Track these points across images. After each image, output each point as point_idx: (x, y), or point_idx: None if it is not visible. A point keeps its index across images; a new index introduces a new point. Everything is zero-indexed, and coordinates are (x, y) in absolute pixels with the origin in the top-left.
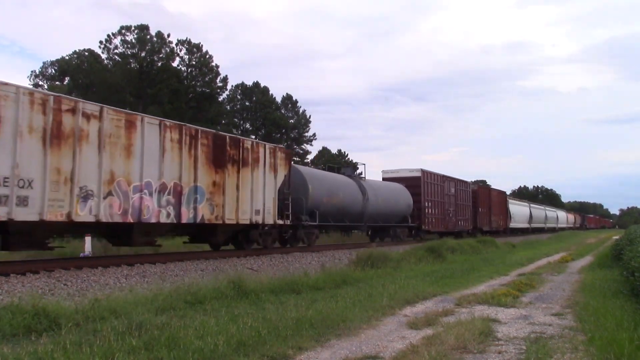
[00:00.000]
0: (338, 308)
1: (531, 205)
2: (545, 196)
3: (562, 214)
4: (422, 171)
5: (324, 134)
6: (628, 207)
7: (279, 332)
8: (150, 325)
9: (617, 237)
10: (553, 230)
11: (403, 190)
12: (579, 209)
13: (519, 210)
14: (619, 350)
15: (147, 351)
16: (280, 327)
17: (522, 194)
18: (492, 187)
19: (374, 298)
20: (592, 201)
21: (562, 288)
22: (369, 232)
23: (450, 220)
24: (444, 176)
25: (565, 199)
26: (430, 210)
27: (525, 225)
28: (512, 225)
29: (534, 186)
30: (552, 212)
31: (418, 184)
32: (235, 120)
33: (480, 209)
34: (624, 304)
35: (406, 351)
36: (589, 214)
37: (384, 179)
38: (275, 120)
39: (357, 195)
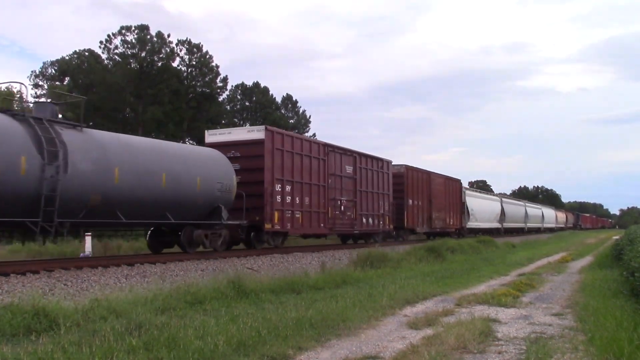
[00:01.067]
0: (338, 308)
1: (504, 199)
2: (545, 196)
3: (549, 212)
4: (268, 132)
5: (324, 134)
6: (628, 207)
7: (279, 332)
8: (150, 325)
9: (617, 237)
10: (537, 231)
11: (212, 158)
12: (579, 208)
13: (483, 206)
14: (619, 350)
15: (146, 351)
16: (280, 327)
17: (522, 194)
18: (437, 172)
19: (374, 298)
20: (592, 201)
21: (562, 288)
22: (147, 233)
23: (341, 217)
24: (328, 145)
25: (565, 199)
26: (288, 198)
27: (494, 225)
28: (472, 225)
29: (534, 186)
30: (535, 209)
31: (259, 152)
32: (235, 120)
33: (410, 202)
34: (624, 304)
35: (406, 351)
36: (584, 213)
37: (207, 145)
38: (275, 120)
39: (20, 156)
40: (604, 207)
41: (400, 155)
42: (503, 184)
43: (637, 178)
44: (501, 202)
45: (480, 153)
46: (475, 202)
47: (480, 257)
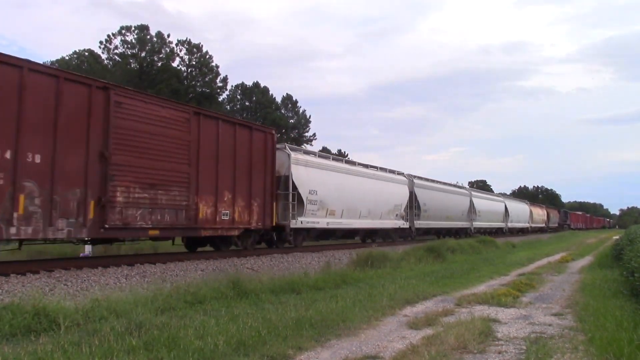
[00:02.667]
0: (338, 308)
1: (418, 182)
2: (545, 196)
3: (519, 207)
4: None
5: (324, 134)
6: (628, 207)
7: (279, 332)
8: (150, 325)
9: (617, 237)
10: (499, 232)
11: None
12: (579, 208)
13: (359, 189)
14: (619, 350)
15: (147, 351)
16: (280, 327)
17: (522, 194)
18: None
19: (374, 298)
20: (592, 201)
21: (562, 288)
22: None
23: None
24: None
25: (565, 199)
26: None
27: (390, 222)
28: (315, 221)
29: (534, 186)
30: (493, 202)
31: None
32: None
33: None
34: (624, 304)
35: (406, 351)
36: (577, 211)
37: None
38: (275, 120)
39: None
40: (604, 207)
41: (400, 155)
42: (503, 184)
43: (637, 178)
44: (411, 185)
45: (480, 153)
46: (329, 179)
47: (480, 257)
